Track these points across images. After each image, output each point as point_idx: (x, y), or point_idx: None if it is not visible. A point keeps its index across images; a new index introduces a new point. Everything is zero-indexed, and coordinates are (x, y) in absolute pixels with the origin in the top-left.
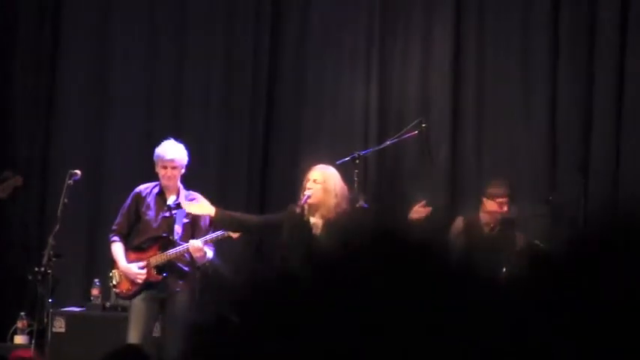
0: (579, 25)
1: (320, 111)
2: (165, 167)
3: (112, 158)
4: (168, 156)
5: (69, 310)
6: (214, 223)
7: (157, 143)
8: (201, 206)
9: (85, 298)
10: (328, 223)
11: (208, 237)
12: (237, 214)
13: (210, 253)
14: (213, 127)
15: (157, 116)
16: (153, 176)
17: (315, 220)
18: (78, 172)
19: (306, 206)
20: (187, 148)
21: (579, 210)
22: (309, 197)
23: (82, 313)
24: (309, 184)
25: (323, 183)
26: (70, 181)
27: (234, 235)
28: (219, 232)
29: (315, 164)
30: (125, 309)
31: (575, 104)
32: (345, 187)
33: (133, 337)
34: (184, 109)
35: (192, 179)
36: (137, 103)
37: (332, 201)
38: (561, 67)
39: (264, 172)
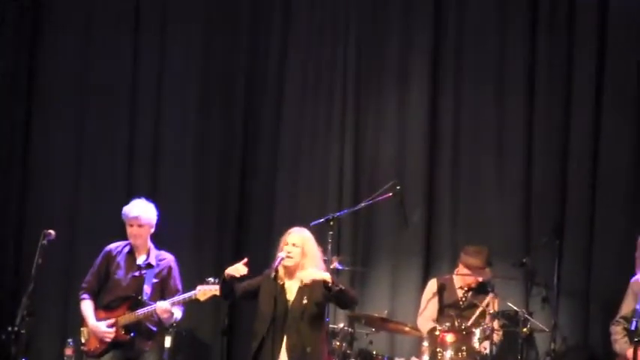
0: (555, 81)
1: (294, 173)
2: (131, 225)
3: (87, 217)
4: (133, 213)
5: None
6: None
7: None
8: (313, 272)
9: (58, 358)
10: (303, 287)
11: (176, 298)
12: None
13: (178, 314)
14: (186, 183)
15: (135, 175)
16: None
17: (290, 284)
18: (52, 232)
19: (280, 268)
20: (161, 207)
21: (554, 272)
22: (282, 259)
23: None
24: (287, 248)
25: (302, 246)
26: (44, 241)
27: (202, 298)
28: (186, 294)
29: (290, 227)
30: None
31: (550, 166)
32: (319, 250)
33: None
34: (161, 162)
35: (165, 237)
36: (114, 160)
37: (310, 264)
38: (536, 129)
39: (238, 234)
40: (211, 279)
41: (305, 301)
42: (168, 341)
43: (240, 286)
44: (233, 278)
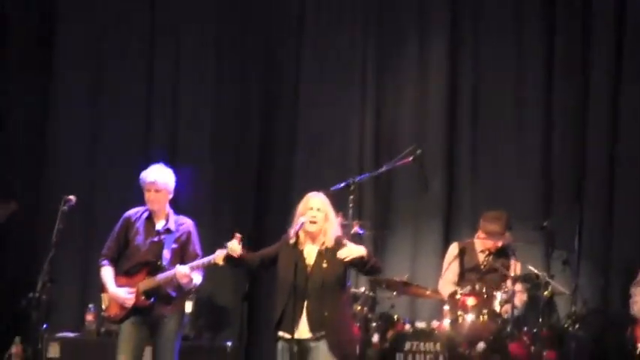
0: (574, 45)
1: (315, 139)
2: (148, 190)
3: (107, 183)
4: (150, 179)
5: (63, 336)
6: (236, 262)
7: None
8: (350, 249)
9: (79, 324)
10: (322, 252)
11: (195, 263)
12: (246, 256)
13: (198, 279)
14: (206, 152)
15: (152, 140)
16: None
17: (310, 249)
18: (72, 197)
19: (301, 233)
20: (180, 172)
21: (575, 235)
22: (303, 224)
23: (77, 339)
24: (312, 212)
25: (325, 211)
26: (65, 207)
27: (221, 262)
28: (205, 259)
29: (309, 192)
30: None
31: (571, 126)
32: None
33: None
34: (180, 135)
35: (184, 203)
36: (131, 123)
37: (331, 228)
38: (556, 96)
39: (258, 200)
40: (229, 243)
41: (325, 265)
42: (189, 306)
43: (255, 257)
44: (232, 257)
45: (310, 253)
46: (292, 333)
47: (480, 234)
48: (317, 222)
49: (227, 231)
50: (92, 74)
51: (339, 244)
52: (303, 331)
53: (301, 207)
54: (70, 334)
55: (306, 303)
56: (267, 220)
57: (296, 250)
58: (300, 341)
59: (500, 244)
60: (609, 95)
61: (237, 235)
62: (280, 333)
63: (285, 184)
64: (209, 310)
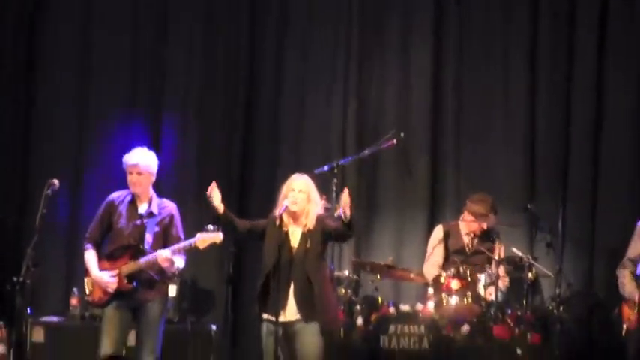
0: (559, 33)
1: (298, 123)
2: (131, 173)
3: (92, 166)
4: (132, 161)
5: (48, 320)
6: (220, 222)
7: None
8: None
9: (64, 308)
10: (305, 233)
11: (175, 246)
12: (235, 218)
13: (180, 263)
14: (192, 132)
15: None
16: None
17: (293, 230)
18: (56, 181)
19: (285, 215)
20: (166, 153)
21: (558, 218)
22: (287, 207)
23: (61, 323)
24: (293, 194)
25: (307, 193)
26: (49, 191)
27: (201, 245)
28: (186, 242)
29: (293, 174)
30: None
31: (554, 110)
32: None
33: (106, 344)
34: (165, 114)
35: (172, 183)
36: (115, 114)
37: (314, 210)
38: (541, 78)
39: (242, 184)
40: (211, 226)
41: (308, 245)
42: (172, 290)
43: (245, 223)
44: (217, 210)
45: (294, 233)
46: (277, 315)
47: (465, 216)
48: (298, 203)
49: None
50: (77, 60)
51: (320, 224)
52: (289, 312)
53: (284, 189)
54: (55, 319)
55: (292, 285)
56: (252, 200)
57: (280, 232)
58: (285, 323)
59: (485, 226)
60: (593, 79)
61: (213, 182)
62: (265, 315)
63: (270, 169)
64: (193, 293)
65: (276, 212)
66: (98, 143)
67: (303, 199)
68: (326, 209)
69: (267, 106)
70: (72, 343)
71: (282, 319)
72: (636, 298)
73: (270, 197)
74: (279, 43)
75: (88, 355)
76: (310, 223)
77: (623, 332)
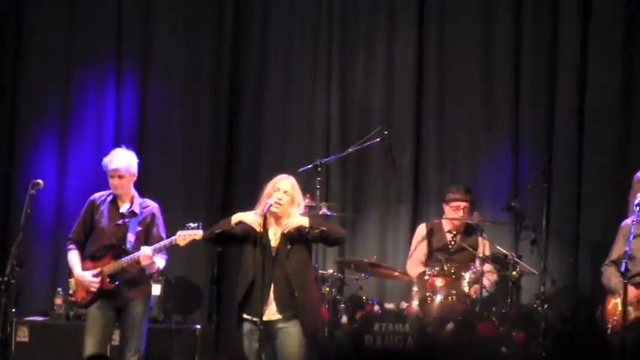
0: (542, 22)
1: (282, 120)
2: (112, 177)
3: (76, 166)
4: (112, 165)
5: (32, 320)
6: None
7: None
8: (289, 220)
9: (48, 308)
10: (286, 233)
11: (157, 245)
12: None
13: (161, 263)
14: (176, 132)
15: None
16: None
17: (275, 230)
18: (40, 181)
19: (267, 215)
20: (150, 154)
21: (542, 215)
22: (271, 206)
23: (46, 323)
24: (278, 194)
25: (292, 194)
26: (33, 191)
27: (182, 243)
28: (167, 240)
29: (278, 174)
30: None
31: (537, 110)
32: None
33: (89, 344)
34: (148, 118)
35: (157, 180)
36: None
37: (296, 211)
38: (524, 73)
39: (226, 183)
40: (191, 224)
41: (289, 246)
42: (157, 289)
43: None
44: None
45: (275, 234)
46: (260, 315)
47: (447, 213)
48: (282, 204)
49: (198, 209)
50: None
51: (299, 227)
52: (270, 313)
53: (269, 188)
54: (39, 318)
55: (273, 284)
56: (236, 203)
57: (262, 232)
58: (267, 323)
59: (462, 213)
60: (577, 68)
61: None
62: (245, 315)
63: (253, 167)
64: (178, 292)
65: (259, 211)
66: (83, 139)
67: (287, 201)
68: (310, 208)
69: (250, 106)
70: (56, 343)
71: (264, 318)
72: (621, 292)
73: (254, 200)
74: (263, 36)
75: (73, 354)
76: (292, 223)
77: (609, 331)
